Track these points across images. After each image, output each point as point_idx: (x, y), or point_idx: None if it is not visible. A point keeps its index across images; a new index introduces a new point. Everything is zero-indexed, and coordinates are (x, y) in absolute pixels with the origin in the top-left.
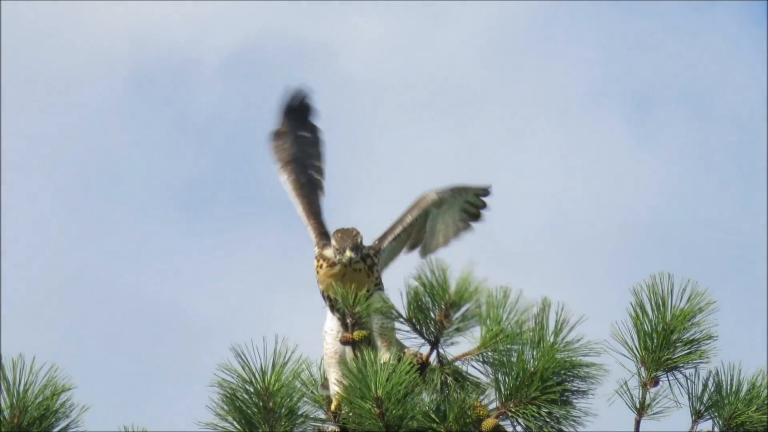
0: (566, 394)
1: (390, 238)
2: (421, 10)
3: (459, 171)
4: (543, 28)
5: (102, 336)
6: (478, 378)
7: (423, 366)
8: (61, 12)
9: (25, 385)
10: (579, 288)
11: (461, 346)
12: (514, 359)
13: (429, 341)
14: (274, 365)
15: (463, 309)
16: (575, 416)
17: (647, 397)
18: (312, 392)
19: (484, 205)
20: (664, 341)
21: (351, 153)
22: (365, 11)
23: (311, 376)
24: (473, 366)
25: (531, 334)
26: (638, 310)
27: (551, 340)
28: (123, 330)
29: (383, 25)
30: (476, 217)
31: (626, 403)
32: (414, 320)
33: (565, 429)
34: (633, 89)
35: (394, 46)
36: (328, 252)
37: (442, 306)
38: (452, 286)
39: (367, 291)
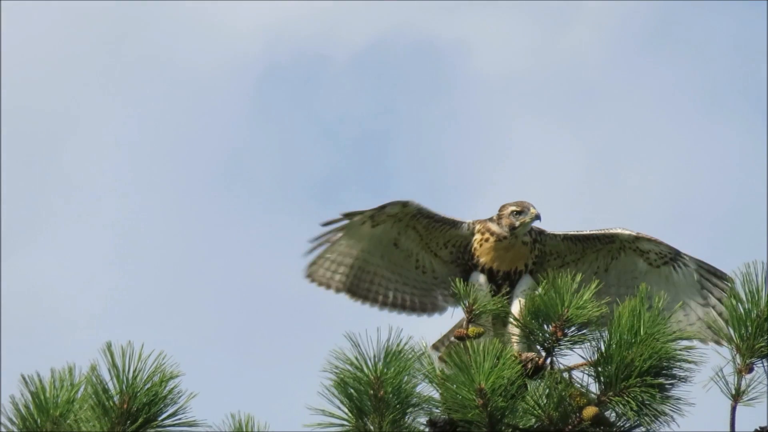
0: (665, 382)
1: (561, 236)
2: (551, 9)
3: (585, 168)
4: (668, 27)
5: (229, 325)
6: (586, 386)
7: (537, 369)
8: (196, 12)
9: (134, 371)
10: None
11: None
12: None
13: (544, 348)
14: (386, 355)
15: (576, 328)
16: (673, 404)
17: (742, 383)
18: (428, 376)
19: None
20: (758, 329)
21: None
22: (496, 9)
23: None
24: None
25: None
26: (732, 297)
27: (648, 327)
28: (251, 319)
29: (514, 23)
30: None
31: (721, 390)
32: (530, 326)
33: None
34: (757, 91)
35: (524, 45)
36: (495, 227)
37: (557, 321)
38: (569, 306)
39: (525, 266)
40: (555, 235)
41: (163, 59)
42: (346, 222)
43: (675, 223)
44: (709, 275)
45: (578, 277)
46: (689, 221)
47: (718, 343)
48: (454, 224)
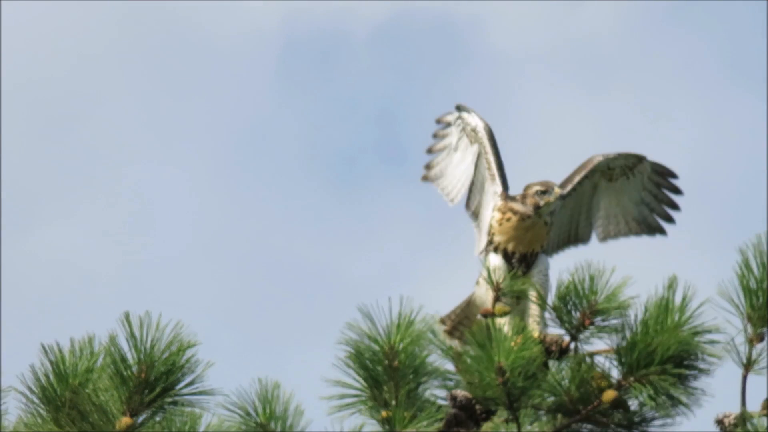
0: (686, 372)
1: (564, 196)
2: None
3: (601, 141)
4: (684, 0)
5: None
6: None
7: (562, 352)
8: None
9: (152, 341)
10: (718, 266)
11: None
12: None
13: (569, 333)
14: (399, 325)
15: (604, 317)
16: (692, 393)
17: (753, 353)
18: (440, 347)
19: (676, 191)
20: None
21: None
22: None
23: (437, 336)
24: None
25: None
26: (744, 268)
27: (676, 318)
28: (269, 290)
29: None
30: (664, 216)
31: (733, 359)
32: (558, 311)
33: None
34: None
35: (541, 19)
36: (519, 206)
37: (586, 310)
38: (601, 296)
39: (541, 247)
40: (559, 201)
41: (183, 31)
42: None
43: (694, 194)
44: (657, 175)
45: (614, 268)
46: (709, 192)
47: (650, 235)
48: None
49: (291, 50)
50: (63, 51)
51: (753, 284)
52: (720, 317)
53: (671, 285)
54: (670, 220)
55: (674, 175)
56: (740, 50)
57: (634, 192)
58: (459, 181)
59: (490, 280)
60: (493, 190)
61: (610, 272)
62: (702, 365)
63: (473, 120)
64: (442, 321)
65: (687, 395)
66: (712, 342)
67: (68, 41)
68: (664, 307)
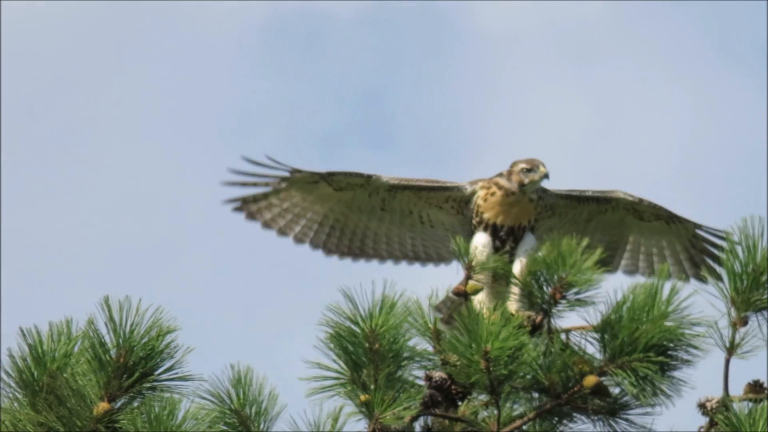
0: (669, 361)
1: (563, 194)
2: None
3: (590, 122)
4: None
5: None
6: (584, 349)
7: (535, 328)
8: None
9: (132, 325)
10: None
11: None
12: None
13: (542, 309)
14: (382, 307)
15: (576, 291)
16: (674, 383)
17: (737, 336)
18: (421, 331)
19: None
20: (754, 282)
21: (483, 105)
22: None
23: (420, 319)
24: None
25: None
26: (729, 251)
27: (663, 308)
28: (249, 273)
29: None
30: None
31: (716, 343)
32: (528, 286)
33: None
34: (764, 42)
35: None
36: (504, 182)
37: (557, 284)
38: (572, 269)
39: (528, 222)
40: (556, 194)
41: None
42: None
43: (682, 176)
44: (702, 242)
45: (584, 242)
46: (697, 172)
47: (686, 281)
48: (445, 189)
49: (275, 30)
50: (43, 30)
51: (738, 268)
52: (704, 301)
53: (661, 274)
54: (703, 280)
55: (720, 247)
56: (730, 30)
57: (677, 242)
58: None
59: (461, 258)
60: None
61: (582, 247)
62: (685, 356)
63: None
64: (438, 308)
65: (669, 384)
66: (697, 335)
67: (49, 22)
68: (652, 295)
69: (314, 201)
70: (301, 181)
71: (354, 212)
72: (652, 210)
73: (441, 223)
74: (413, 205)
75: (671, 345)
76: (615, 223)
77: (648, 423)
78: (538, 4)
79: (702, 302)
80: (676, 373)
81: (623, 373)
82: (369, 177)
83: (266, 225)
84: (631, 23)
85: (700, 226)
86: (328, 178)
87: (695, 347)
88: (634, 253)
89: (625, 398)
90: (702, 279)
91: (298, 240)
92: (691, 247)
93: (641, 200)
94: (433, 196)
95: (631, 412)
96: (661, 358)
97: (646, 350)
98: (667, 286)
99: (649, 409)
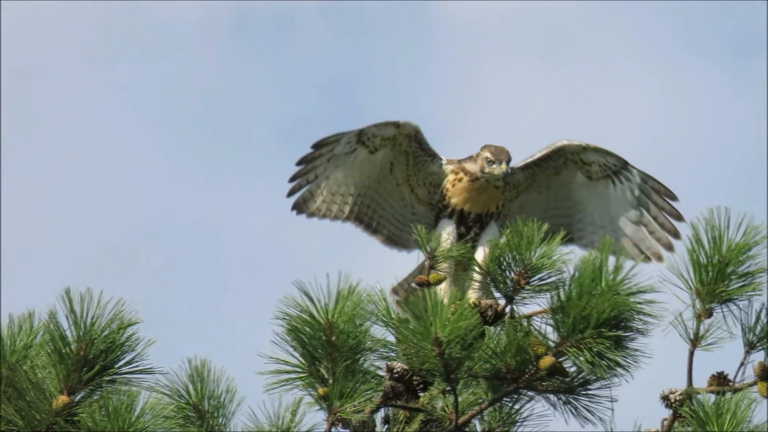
0: (622, 334)
1: (521, 166)
2: None
3: (561, 109)
4: None
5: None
6: (545, 334)
7: (497, 316)
8: None
9: (92, 318)
10: (682, 233)
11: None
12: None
13: (505, 296)
14: (338, 299)
15: (542, 276)
16: (630, 355)
17: (701, 328)
18: (382, 319)
19: (677, 218)
20: (719, 274)
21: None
22: None
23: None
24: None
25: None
26: (694, 242)
27: (610, 280)
28: (201, 263)
29: None
30: (665, 243)
31: (680, 335)
32: (492, 273)
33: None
34: (731, 34)
35: None
36: (471, 166)
37: (522, 269)
38: (536, 253)
39: (496, 209)
40: (516, 170)
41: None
42: (322, 152)
43: (652, 165)
44: (652, 192)
45: (545, 226)
46: (667, 162)
47: (646, 261)
48: (433, 156)
49: (244, 17)
50: (13, 19)
51: (703, 259)
52: (669, 291)
53: (604, 247)
54: (670, 248)
55: (674, 197)
56: (698, 22)
57: (626, 205)
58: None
59: (423, 247)
60: (435, 167)
61: (544, 231)
62: (639, 326)
63: (389, 132)
64: (395, 290)
65: (625, 357)
66: (649, 302)
67: (18, 11)
68: (598, 269)
69: (351, 174)
70: (340, 153)
71: (373, 176)
72: (600, 156)
73: (411, 207)
74: (402, 176)
75: (623, 317)
76: (567, 183)
77: (609, 397)
78: None
79: (648, 271)
80: (633, 345)
81: (578, 352)
82: (399, 124)
83: (312, 214)
84: (601, 15)
85: (649, 177)
86: (362, 136)
87: (649, 315)
88: (592, 225)
89: (583, 375)
90: (659, 258)
91: (340, 218)
92: (653, 216)
93: (588, 145)
94: (418, 171)
95: (590, 388)
96: (614, 332)
97: (599, 326)
98: (612, 258)
99: (607, 383)
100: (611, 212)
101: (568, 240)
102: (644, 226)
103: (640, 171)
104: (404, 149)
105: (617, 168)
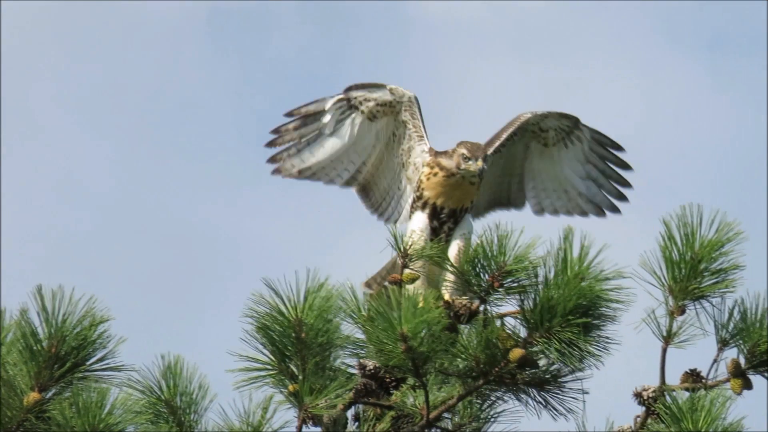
0: (590, 321)
1: (490, 153)
2: None
3: (538, 106)
4: None
5: (156, 268)
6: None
7: (472, 315)
8: None
9: (64, 315)
10: (655, 229)
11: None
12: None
13: (479, 296)
14: (306, 296)
15: (514, 279)
16: (600, 343)
17: (674, 325)
18: (351, 315)
19: (624, 167)
20: (692, 271)
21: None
22: None
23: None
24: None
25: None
26: (667, 239)
27: (576, 268)
28: (173, 262)
29: None
30: (615, 194)
31: (653, 332)
32: (466, 275)
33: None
34: (710, 31)
35: None
36: (447, 162)
37: (495, 272)
38: (510, 257)
39: (471, 203)
40: (488, 157)
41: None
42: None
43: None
44: (599, 146)
45: (522, 228)
46: (647, 156)
47: (598, 215)
48: (421, 138)
49: (220, 12)
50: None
51: (676, 256)
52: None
53: (567, 237)
54: (622, 197)
55: (619, 147)
56: (677, 16)
57: (576, 164)
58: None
59: (397, 246)
60: (420, 149)
61: (519, 233)
62: (607, 312)
63: (393, 93)
64: (368, 284)
65: (594, 344)
66: (616, 288)
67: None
68: (562, 259)
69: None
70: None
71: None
72: (555, 121)
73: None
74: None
75: (591, 304)
76: (518, 154)
77: (580, 389)
78: None
79: (614, 256)
80: (601, 332)
81: (547, 342)
82: (393, 88)
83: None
84: (580, 12)
85: (596, 132)
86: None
87: (615, 301)
88: (544, 190)
89: (555, 366)
90: (615, 210)
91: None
92: (599, 169)
93: (549, 112)
94: (402, 145)
95: (562, 380)
96: (582, 319)
97: (566, 315)
98: (576, 247)
99: (579, 374)
100: (564, 173)
101: (521, 204)
102: (593, 181)
103: (589, 128)
104: (398, 117)
105: (570, 128)
